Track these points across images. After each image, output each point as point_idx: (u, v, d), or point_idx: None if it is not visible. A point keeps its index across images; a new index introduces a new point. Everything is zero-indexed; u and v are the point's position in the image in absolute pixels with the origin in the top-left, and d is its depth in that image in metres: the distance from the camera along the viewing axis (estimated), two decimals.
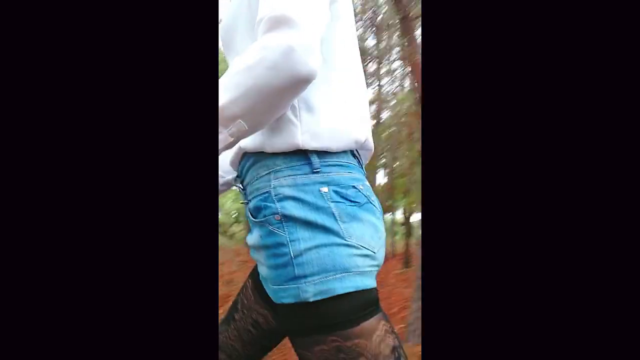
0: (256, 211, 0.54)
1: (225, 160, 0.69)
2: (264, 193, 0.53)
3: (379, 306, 0.52)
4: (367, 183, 0.58)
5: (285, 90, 0.45)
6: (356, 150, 0.59)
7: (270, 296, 0.54)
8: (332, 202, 0.51)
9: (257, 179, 0.55)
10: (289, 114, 0.53)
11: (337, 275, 0.48)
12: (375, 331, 0.49)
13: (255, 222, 0.54)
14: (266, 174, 0.54)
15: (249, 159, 0.57)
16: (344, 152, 0.55)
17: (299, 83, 0.45)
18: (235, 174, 0.64)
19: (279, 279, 0.51)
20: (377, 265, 0.54)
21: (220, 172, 0.74)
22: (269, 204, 0.52)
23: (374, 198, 0.56)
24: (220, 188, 0.75)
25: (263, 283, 0.57)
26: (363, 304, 0.50)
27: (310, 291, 0.48)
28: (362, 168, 0.61)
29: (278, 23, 0.44)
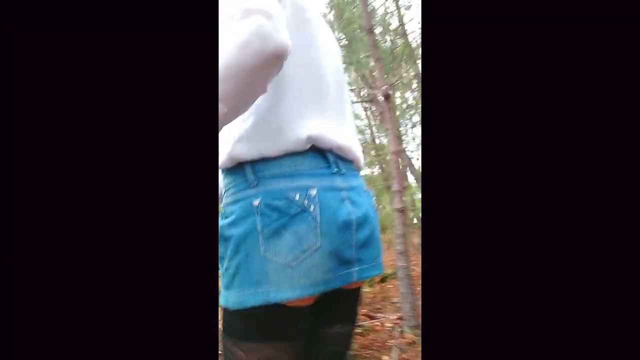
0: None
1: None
2: (222, 211, 0.59)
3: (279, 334, 0.56)
4: (314, 191, 0.55)
5: (257, 67, 0.45)
6: (330, 152, 0.59)
7: None
8: (260, 215, 0.53)
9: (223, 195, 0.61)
10: (228, 125, 0.55)
11: (250, 290, 0.53)
12: (259, 353, 0.55)
13: None
14: (224, 193, 0.60)
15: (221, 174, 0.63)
16: (288, 155, 0.56)
17: (269, 58, 0.45)
18: None
19: (222, 286, 0.57)
20: (301, 278, 0.53)
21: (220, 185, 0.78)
22: (220, 221, 0.58)
23: (314, 205, 0.54)
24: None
25: None
26: (258, 325, 0.55)
27: (230, 300, 0.55)
28: (333, 167, 0.59)
29: (245, 12, 0.46)
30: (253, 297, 0.53)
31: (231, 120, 0.50)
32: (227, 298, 0.55)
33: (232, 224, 0.55)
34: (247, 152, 0.55)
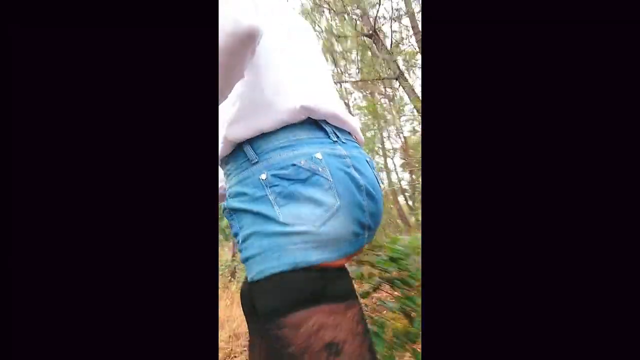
0: (222, 211, 0.60)
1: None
2: (227, 196, 0.59)
3: (324, 297, 0.50)
4: (320, 155, 0.55)
5: (231, 48, 0.46)
6: (324, 122, 0.59)
7: None
8: (270, 187, 0.53)
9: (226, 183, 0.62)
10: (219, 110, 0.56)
11: (274, 255, 0.51)
12: (305, 324, 0.49)
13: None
14: (226, 180, 0.61)
15: (221, 164, 0.64)
16: (286, 128, 0.56)
17: (242, 38, 0.46)
18: None
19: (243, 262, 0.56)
20: (328, 240, 0.52)
21: (221, 184, 0.78)
22: (224, 204, 0.58)
23: (323, 167, 0.54)
24: (221, 198, 0.80)
25: None
26: (297, 294, 0.50)
27: (254, 270, 0.53)
28: (332, 136, 0.59)
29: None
30: (277, 262, 0.51)
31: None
32: (251, 269, 0.53)
33: (240, 201, 0.55)
34: (244, 131, 0.56)
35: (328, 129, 0.59)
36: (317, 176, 0.54)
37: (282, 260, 0.51)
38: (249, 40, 0.47)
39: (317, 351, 0.48)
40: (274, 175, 0.54)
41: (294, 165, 0.54)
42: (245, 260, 0.55)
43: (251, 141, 0.57)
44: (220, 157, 0.60)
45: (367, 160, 0.63)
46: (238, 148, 0.58)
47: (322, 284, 0.52)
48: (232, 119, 0.57)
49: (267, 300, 0.51)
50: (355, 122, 0.66)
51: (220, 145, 0.58)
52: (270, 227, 0.52)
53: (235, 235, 0.57)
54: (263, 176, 0.54)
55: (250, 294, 0.55)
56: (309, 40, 0.69)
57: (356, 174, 0.57)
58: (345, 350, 0.49)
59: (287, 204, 0.52)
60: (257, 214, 0.53)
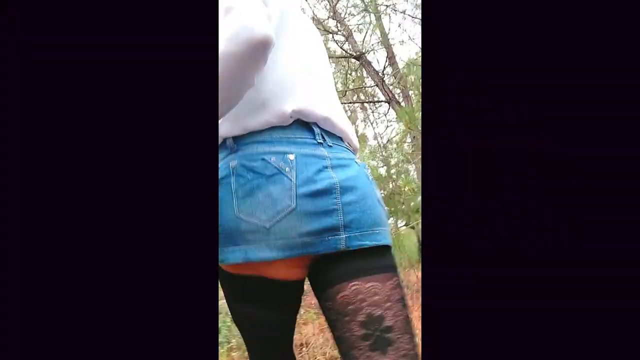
0: None
1: None
2: None
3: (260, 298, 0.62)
4: (293, 156, 0.56)
5: (244, 56, 0.48)
6: (314, 124, 0.60)
7: None
8: (235, 175, 0.55)
9: None
10: None
11: (229, 247, 0.55)
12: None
13: None
14: None
15: None
16: (272, 128, 0.57)
17: (256, 46, 0.48)
18: None
19: None
20: (277, 239, 0.53)
21: None
22: None
23: (290, 168, 0.55)
24: None
25: None
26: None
27: (219, 257, 0.56)
28: (318, 137, 0.59)
29: (228, 11, 0.50)
30: (232, 254, 0.55)
31: (223, 114, 0.53)
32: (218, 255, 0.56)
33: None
34: (232, 129, 0.58)
35: (317, 130, 0.60)
36: (281, 175, 0.54)
37: (236, 255, 0.55)
38: (263, 48, 0.49)
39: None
40: (242, 166, 0.55)
41: (263, 159, 0.55)
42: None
43: (235, 137, 0.58)
44: None
45: (354, 162, 0.63)
46: (222, 142, 0.59)
47: (267, 289, 0.60)
48: (227, 117, 0.57)
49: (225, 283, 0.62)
50: (348, 128, 0.66)
51: None
52: (228, 219, 0.55)
53: None
54: (233, 163, 0.56)
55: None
56: (313, 41, 0.70)
57: (331, 173, 0.57)
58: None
59: (245, 197, 0.54)
60: (220, 202, 0.55)
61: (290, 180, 0.54)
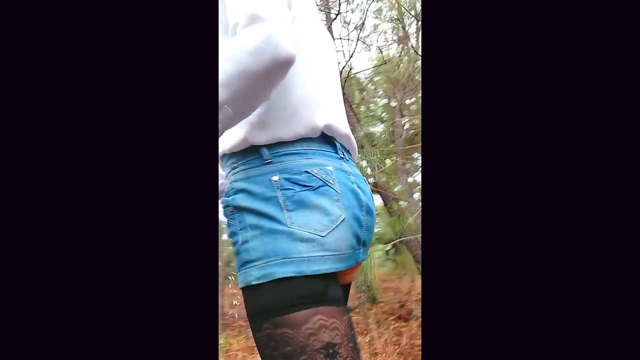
0: (222, 207, 0.59)
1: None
2: (227, 190, 0.58)
3: (325, 299, 0.52)
4: (331, 167, 0.57)
5: (267, 73, 0.48)
6: (334, 138, 0.61)
7: None
8: (281, 189, 0.54)
9: (225, 178, 0.62)
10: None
11: (277, 260, 0.51)
12: (306, 323, 0.50)
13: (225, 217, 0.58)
14: (229, 173, 0.60)
15: (222, 160, 0.64)
16: (302, 139, 0.57)
17: (280, 65, 0.48)
18: None
19: (237, 266, 0.55)
20: (330, 250, 0.53)
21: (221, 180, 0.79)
22: (226, 198, 0.57)
23: (333, 180, 0.56)
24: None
25: None
26: (300, 293, 0.51)
27: (254, 275, 0.52)
28: (340, 153, 0.62)
29: (253, 19, 0.49)
30: (281, 268, 0.51)
31: (235, 124, 0.52)
32: (249, 274, 0.52)
33: (246, 199, 0.55)
34: (264, 137, 0.56)
35: (338, 145, 0.62)
36: (327, 186, 0.55)
37: (287, 268, 0.51)
38: (287, 67, 0.49)
39: (315, 350, 0.49)
40: (286, 179, 0.54)
41: (307, 172, 0.55)
42: (244, 264, 0.54)
43: (268, 145, 0.57)
44: (229, 151, 0.59)
45: (364, 180, 0.66)
46: (251, 147, 0.57)
47: (324, 286, 0.53)
48: (255, 123, 0.56)
49: (265, 299, 0.51)
50: (355, 145, 0.69)
51: (235, 141, 0.57)
52: (277, 230, 0.52)
53: (233, 234, 0.56)
54: (275, 178, 0.54)
55: (243, 293, 0.55)
56: (332, 59, 0.72)
57: (358, 190, 0.59)
58: (341, 353, 0.50)
59: (296, 209, 0.53)
60: (263, 215, 0.53)
61: (336, 190, 0.56)
